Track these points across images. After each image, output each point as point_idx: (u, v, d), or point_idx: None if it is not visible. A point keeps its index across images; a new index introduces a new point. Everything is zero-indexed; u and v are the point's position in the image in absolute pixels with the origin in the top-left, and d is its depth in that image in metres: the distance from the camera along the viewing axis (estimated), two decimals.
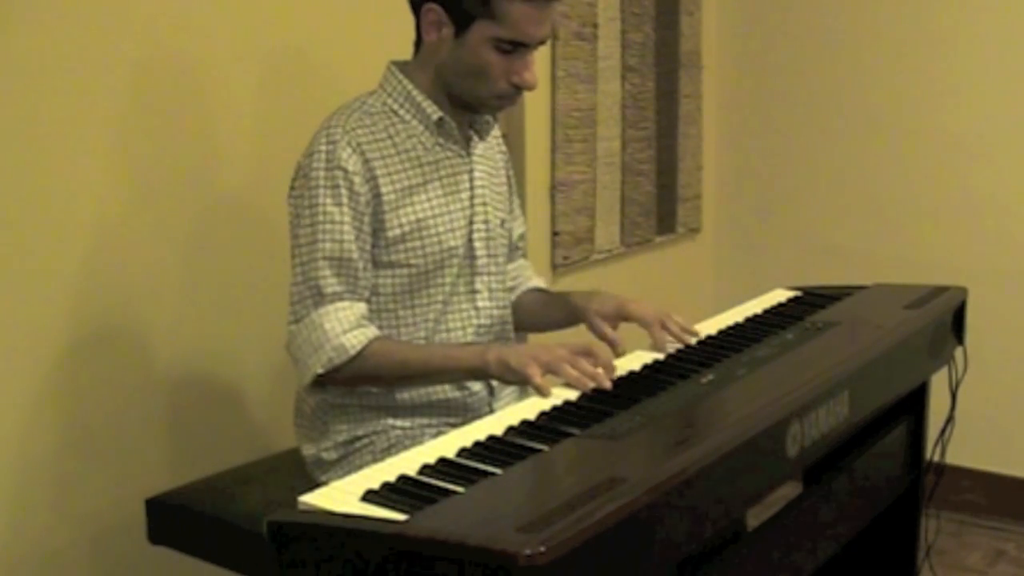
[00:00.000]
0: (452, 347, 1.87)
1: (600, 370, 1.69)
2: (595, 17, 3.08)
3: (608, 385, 1.67)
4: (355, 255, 1.78)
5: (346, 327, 1.75)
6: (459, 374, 1.80)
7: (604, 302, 1.95)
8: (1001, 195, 3.25)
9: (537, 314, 2.06)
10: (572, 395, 1.65)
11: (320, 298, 1.77)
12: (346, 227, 1.77)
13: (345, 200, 1.77)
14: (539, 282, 2.13)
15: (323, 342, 1.75)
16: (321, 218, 1.77)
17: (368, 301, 1.82)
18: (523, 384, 1.75)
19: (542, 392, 1.66)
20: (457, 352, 1.81)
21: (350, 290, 1.78)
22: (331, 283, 1.77)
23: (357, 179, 1.78)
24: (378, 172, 1.80)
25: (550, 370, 1.69)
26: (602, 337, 1.93)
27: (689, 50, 3.51)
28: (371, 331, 1.77)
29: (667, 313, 1.92)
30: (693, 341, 1.91)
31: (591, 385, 1.66)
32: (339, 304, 1.77)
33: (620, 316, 1.94)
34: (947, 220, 3.34)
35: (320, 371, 1.75)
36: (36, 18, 1.92)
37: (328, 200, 1.77)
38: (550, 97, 2.97)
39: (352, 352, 1.74)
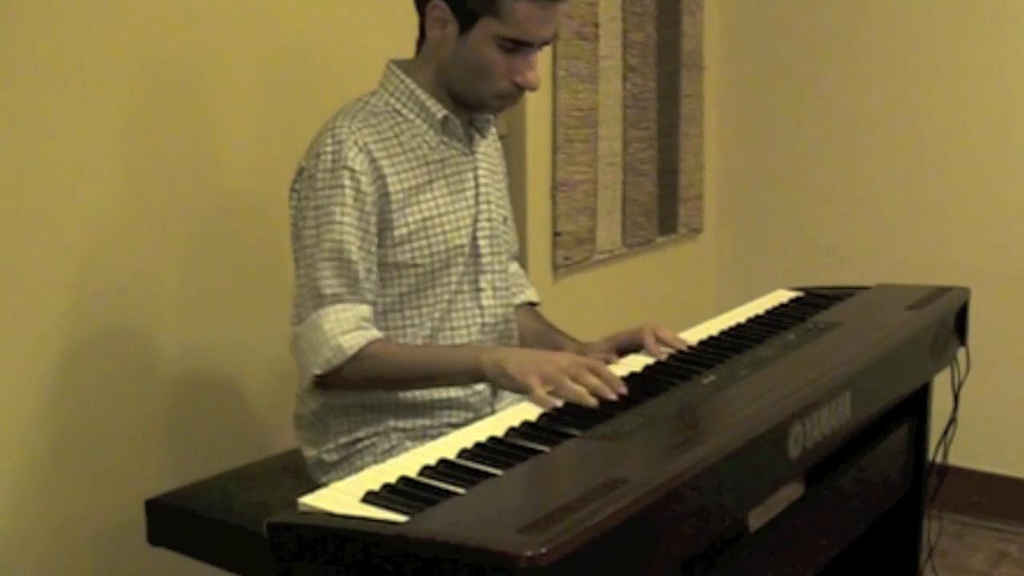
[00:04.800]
0: (450, 348, 1.86)
1: (599, 383, 1.64)
2: (596, 16, 3.08)
3: (614, 396, 1.62)
4: (355, 256, 1.77)
5: (345, 328, 1.74)
6: (457, 376, 1.79)
7: (596, 342, 1.93)
8: (1004, 195, 3.25)
9: (529, 346, 2.00)
10: None
11: (320, 299, 1.76)
12: (349, 228, 1.76)
13: (350, 201, 1.76)
14: (532, 294, 2.12)
15: (321, 343, 1.74)
16: (324, 219, 1.76)
17: (372, 303, 1.81)
18: (520, 392, 1.70)
19: (543, 404, 1.62)
20: (454, 353, 1.80)
21: (351, 292, 1.77)
22: (331, 284, 1.76)
23: (364, 178, 1.77)
24: (386, 171, 1.79)
25: (550, 382, 1.64)
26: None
27: (691, 50, 3.51)
28: (371, 333, 1.76)
29: (656, 325, 1.90)
30: (685, 347, 1.89)
31: (593, 402, 1.60)
32: (339, 306, 1.75)
33: (612, 345, 1.91)
34: (949, 220, 3.33)
35: (318, 372, 1.74)
36: (37, 17, 1.92)
37: (331, 201, 1.76)
38: (551, 97, 2.96)
39: (350, 353, 1.73)
